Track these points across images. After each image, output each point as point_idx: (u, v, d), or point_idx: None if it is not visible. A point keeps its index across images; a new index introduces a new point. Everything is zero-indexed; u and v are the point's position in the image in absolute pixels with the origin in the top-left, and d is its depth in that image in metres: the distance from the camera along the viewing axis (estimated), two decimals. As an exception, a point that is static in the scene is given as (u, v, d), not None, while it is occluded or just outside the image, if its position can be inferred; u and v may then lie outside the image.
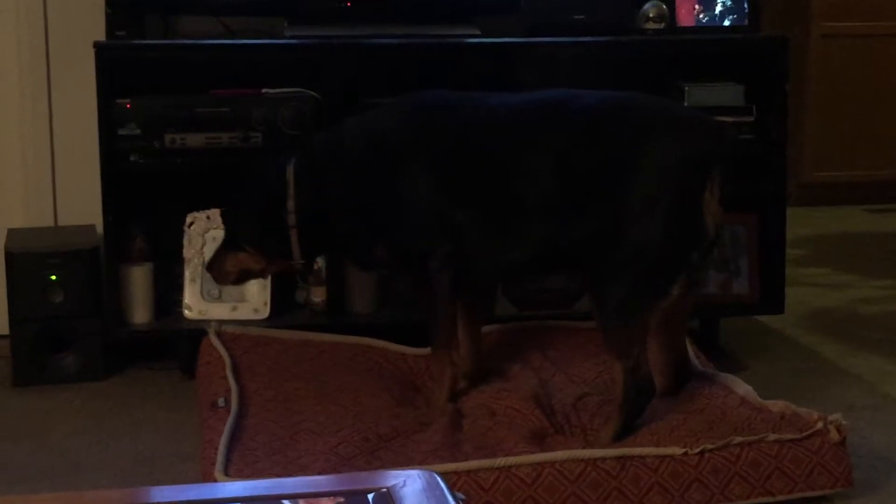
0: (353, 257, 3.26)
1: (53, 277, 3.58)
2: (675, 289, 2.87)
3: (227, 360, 3.26)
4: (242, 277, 3.26)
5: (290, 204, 3.09)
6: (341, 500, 1.44)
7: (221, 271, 3.23)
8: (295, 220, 3.10)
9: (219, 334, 3.40)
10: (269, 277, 3.65)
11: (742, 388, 3.06)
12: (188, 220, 3.67)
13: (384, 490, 1.45)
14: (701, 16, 3.86)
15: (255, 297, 3.67)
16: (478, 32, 3.70)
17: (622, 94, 3.03)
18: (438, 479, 1.45)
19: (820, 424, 2.75)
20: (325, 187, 3.09)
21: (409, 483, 1.44)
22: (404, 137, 3.05)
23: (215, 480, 2.60)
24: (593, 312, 2.93)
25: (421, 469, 1.56)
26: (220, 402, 3.04)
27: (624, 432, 2.86)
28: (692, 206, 2.84)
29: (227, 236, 3.24)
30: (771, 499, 2.71)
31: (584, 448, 2.75)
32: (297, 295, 3.25)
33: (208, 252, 3.64)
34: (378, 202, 3.04)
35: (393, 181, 3.01)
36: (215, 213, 3.66)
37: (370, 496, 1.45)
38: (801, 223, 5.82)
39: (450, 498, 1.43)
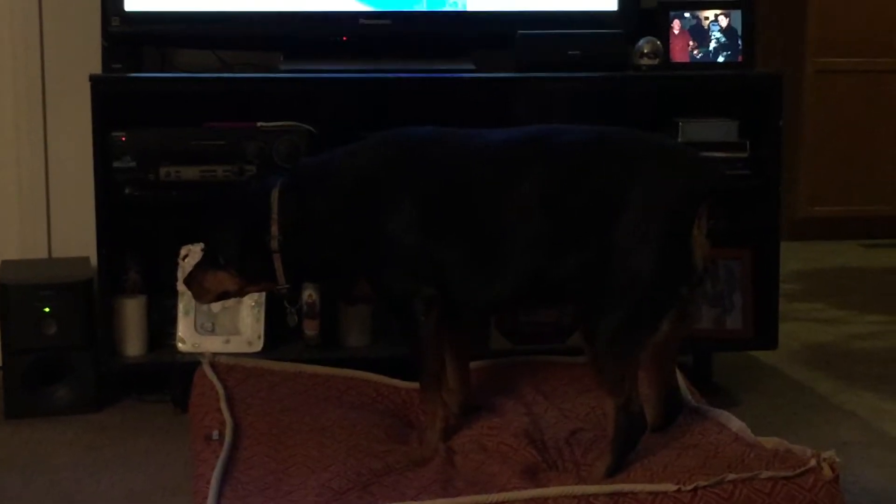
0: (337, 290, 3.24)
1: (47, 309, 3.58)
2: (665, 324, 2.87)
3: (221, 392, 3.25)
4: (221, 297, 3.19)
5: (274, 228, 3.06)
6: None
7: (201, 289, 3.16)
8: (277, 245, 3.06)
9: (213, 365, 3.39)
10: (263, 310, 3.66)
11: (735, 424, 3.06)
12: (182, 252, 3.67)
13: (374, 528, 1.45)
14: (695, 52, 3.88)
15: (248, 330, 3.67)
16: (472, 67, 3.72)
17: (608, 129, 3.03)
18: (428, 517, 1.44)
19: (813, 462, 2.74)
20: (309, 216, 3.07)
21: (399, 522, 1.44)
22: (390, 173, 3.03)
23: (207, 515, 2.59)
24: (584, 348, 2.93)
25: (411, 507, 1.56)
26: (214, 434, 3.03)
27: (617, 468, 2.85)
28: (681, 241, 2.84)
29: (207, 253, 3.17)
30: (764, 536, 2.70)
31: (577, 484, 2.75)
32: (287, 318, 3.21)
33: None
34: (362, 238, 3.02)
35: (378, 217, 2.99)
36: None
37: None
38: (795, 258, 5.83)
39: (440, 536, 1.42)
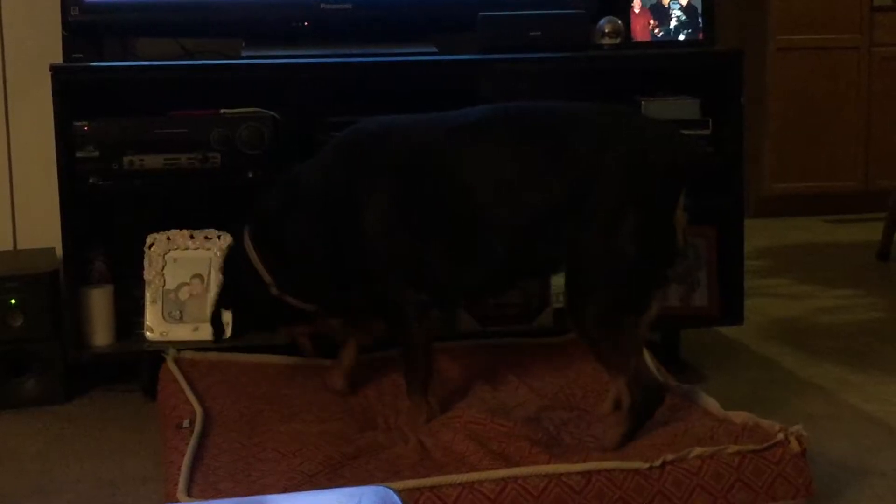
0: (339, 311, 3.22)
1: (13, 301, 3.56)
2: (654, 303, 2.88)
3: (186, 387, 3.24)
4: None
5: (266, 277, 3.11)
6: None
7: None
8: (276, 288, 3.11)
9: (176, 361, 3.39)
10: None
11: (704, 399, 3.08)
12: (148, 241, 3.66)
13: (340, 508, 1.46)
14: (656, 31, 3.89)
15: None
16: (435, 50, 3.72)
17: (580, 105, 3.00)
18: (394, 495, 1.45)
19: (781, 435, 2.77)
20: (290, 248, 3.07)
21: (364, 500, 1.45)
22: (356, 177, 3.02)
23: (178, 502, 2.59)
24: (580, 337, 2.94)
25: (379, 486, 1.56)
26: (185, 423, 3.03)
27: (632, 436, 2.87)
28: (666, 220, 2.84)
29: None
30: (732, 510, 2.72)
31: (549, 463, 2.76)
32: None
33: (169, 273, 3.64)
34: (343, 245, 3.01)
35: (355, 222, 2.98)
36: (175, 234, 3.66)
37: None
38: (760, 234, 5.86)
39: (406, 514, 1.43)
